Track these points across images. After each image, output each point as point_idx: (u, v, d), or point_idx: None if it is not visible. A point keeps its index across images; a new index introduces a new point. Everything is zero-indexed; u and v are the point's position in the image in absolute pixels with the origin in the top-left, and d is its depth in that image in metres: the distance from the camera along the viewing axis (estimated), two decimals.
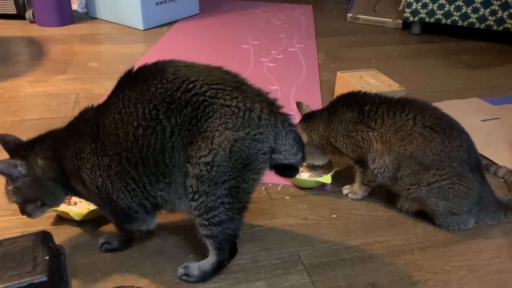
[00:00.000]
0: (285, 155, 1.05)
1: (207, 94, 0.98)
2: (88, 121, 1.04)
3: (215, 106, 0.97)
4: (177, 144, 0.99)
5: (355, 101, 1.37)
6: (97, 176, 1.03)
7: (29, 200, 1.10)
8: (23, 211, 1.13)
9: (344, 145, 1.37)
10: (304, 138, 1.44)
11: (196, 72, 1.01)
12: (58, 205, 1.17)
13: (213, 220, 1.03)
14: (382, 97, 1.37)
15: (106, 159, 1.01)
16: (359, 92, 1.42)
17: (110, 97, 1.03)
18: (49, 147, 1.08)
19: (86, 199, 1.13)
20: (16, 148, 1.10)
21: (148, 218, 1.11)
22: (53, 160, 1.07)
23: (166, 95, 0.98)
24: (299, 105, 1.55)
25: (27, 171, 1.06)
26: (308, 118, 1.47)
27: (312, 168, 1.55)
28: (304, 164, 1.52)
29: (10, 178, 1.07)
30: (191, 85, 0.98)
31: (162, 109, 0.97)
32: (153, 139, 0.98)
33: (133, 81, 1.01)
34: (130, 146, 0.99)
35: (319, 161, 1.50)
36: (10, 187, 1.08)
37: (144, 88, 0.99)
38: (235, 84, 1.02)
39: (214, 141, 0.97)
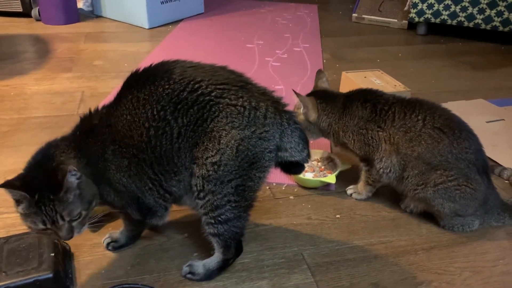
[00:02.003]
0: (291, 152, 1.06)
1: (213, 94, 0.99)
2: (103, 122, 1.03)
3: (221, 105, 0.98)
4: (183, 146, 1.00)
5: (371, 98, 1.37)
6: (122, 177, 1.03)
7: (91, 201, 0.99)
8: (71, 231, 0.97)
9: (352, 141, 1.37)
10: (313, 115, 1.43)
11: (201, 72, 1.02)
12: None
13: (219, 218, 1.03)
14: (395, 97, 1.36)
15: (125, 160, 1.02)
16: (376, 90, 1.41)
17: (118, 98, 1.03)
18: (69, 149, 1.00)
19: (109, 203, 1.07)
20: (25, 177, 0.96)
21: (165, 214, 1.12)
22: (80, 158, 1.00)
23: (173, 95, 0.98)
24: (320, 73, 1.51)
25: (79, 171, 0.95)
26: (326, 100, 1.43)
27: (327, 167, 1.55)
28: (309, 164, 1.52)
29: (69, 191, 0.94)
30: (197, 85, 0.99)
31: (169, 110, 0.98)
32: (164, 139, 0.99)
33: (141, 82, 1.01)
34: (145, 147, 1.00)
35: (313, 138, 1.50)
36: (65, 203, 0.94)
37: (152, 89, 0.99)
38: (240, 84, 1.02)
39: (221, 141, 0.97)
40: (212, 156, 0.98)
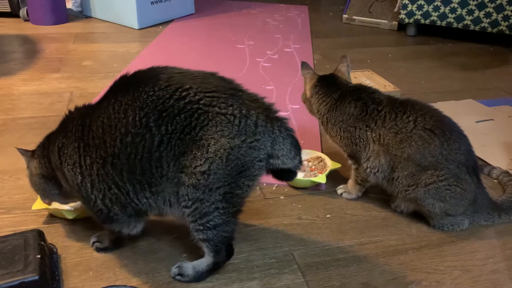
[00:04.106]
0: (283, 160, 1.05)
1: (202, 102, 0.97)
2: (76, 120, 1.04)
3: (210, 114, 0.96)
4: (166, 154, 0.97)
5: (364, 96, 1.36)
6: (77, 174, 1.02)
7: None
8: None
9: (339, 137, 1.37)
10: (307, 93, 1.46)
11: (190, 79, 1.00)
12: (57, 201, 1.20)
13: (208, 225, 1.02)
14: (389, 98, 1.35)
15: (88, 159, 1.01)
16: (374, 90, 1.40)
17: (101, 101, 1.03)
18: (42, 145, 1.13)
19: (73, 196, 1.14)
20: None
21: (131, 222, 1.09)
22: (43, 157, 1.10)
23: (158, 102, 0.96)
24: (342, 58, 1.51)
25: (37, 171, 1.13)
26: (324, 86, 1.44)
27: (317, 167, 1.54)
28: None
29: None
30: (184, 93, 0.97)
31: (153, 117, 0.96)
32: (141, 147, 0.97)
33: (125, 87, 1.00)
34: (117, 152, 0.98)
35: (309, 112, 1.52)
36: None
37: (135, 95, 0.97)
38: (230, 91, 1.00)
39: (209, 149, 0.96)
40: (200, 165, 0.96)
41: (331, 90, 1.42)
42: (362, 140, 1.32)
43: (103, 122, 0.99)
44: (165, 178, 0.99)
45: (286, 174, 1.10)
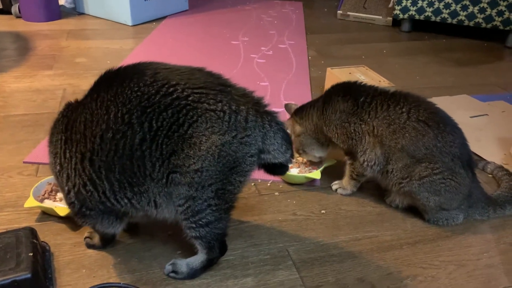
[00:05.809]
0: (274, 154, 1.04)
1: (190, 98, 0.95)
2: (65, 112, 1.04)
3: (199, 110, 0.95)
4: (150, 153, 0.95)
5: (351, 91, 1.36)
6: (56, 164, 1.02)
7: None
8: None
9: (335, 134, 1.37)
10: (298, 129, 1.44)
11: (177, 75, 0.98)
12: None
13: (200, 222, 1.02)
14: (377, 90, 1.36)
15: (68, 153, 0.99)
16: (355, 82, 1.41)
17: (86, 96, 1.01)
18: None
19: None
20: None
21: (105, 220, 1.06)
22: None
23: (142, 98, 0.94)
24: (287, 106, 1.55)
25: None
26: (300, 110, 1.46)
27: (312, 162, 1.53)
28: (294, 160, 1.51)
29: None
30: (171, 89, 0.95)
31: (136, 114, 0.94)
32: (122, 145, 0.95)
33: (108, 83, 0.98)
34: (97, 149, 0.96)
35: (319, 152, 1.48)
36: None
37: (118, 91, 0.96)
38: (219, 87, 0.99)
39: (201, 147, 0.95)
40: (194, 163, 0.95)
41: (311, 105, 1.44)
42: (357, 134, 1.32)
43: (85, 118, 0.98)
44: (150, 178, 0.97)
45: (278, 169, 1.09)
